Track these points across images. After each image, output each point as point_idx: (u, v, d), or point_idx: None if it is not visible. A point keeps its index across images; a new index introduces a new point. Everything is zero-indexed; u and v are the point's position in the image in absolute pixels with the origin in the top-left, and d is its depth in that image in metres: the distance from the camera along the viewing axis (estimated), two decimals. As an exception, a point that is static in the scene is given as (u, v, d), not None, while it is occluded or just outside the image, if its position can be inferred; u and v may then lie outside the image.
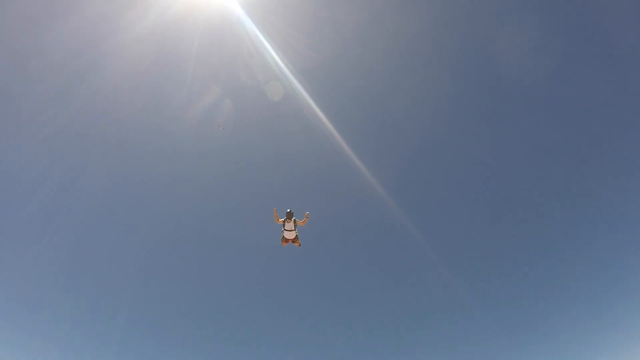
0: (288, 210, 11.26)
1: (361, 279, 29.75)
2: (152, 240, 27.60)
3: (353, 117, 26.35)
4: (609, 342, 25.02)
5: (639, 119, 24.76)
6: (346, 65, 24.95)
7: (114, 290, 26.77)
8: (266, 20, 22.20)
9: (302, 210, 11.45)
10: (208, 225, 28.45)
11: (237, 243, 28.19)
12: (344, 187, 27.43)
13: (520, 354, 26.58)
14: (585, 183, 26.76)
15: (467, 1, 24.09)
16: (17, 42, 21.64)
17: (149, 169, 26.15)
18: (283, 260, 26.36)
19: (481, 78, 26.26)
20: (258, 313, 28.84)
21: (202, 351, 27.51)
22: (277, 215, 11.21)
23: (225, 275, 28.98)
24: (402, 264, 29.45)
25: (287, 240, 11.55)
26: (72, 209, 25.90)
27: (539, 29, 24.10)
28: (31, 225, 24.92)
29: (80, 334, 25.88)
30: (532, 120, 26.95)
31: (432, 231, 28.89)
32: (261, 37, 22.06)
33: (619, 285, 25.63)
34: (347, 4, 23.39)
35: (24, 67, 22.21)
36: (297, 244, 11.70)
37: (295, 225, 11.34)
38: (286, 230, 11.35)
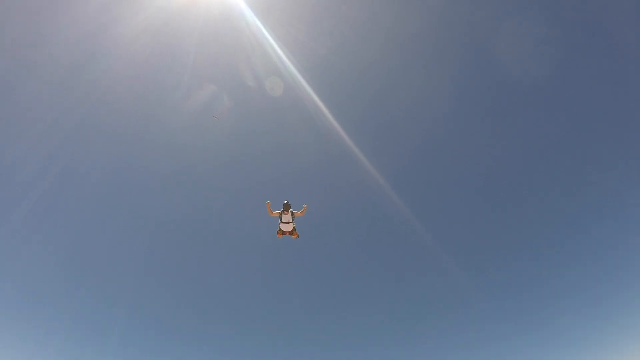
0: (285, 201, 10.86)
1: (363, 271, 29.89)
2: (151, 230, 27.67)
3: (355, 110, 26.34)
4: (611, 339, 25.24)
5: (639, 118, 24.79)
6: (348, 59, 24.82)
7: (113, 280, 26.90)
8: (268, 13, 22.05)
9: (301, 203, 11.05)
10: (208, 217, 28.52)
11: (237, 235, 28.24)
12: (346, 180, 27.48)
13: (522, 346, 26.69)
14: (586, 179, 26.99)
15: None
16: (17, 32, 21.55)
17: (149, 160, 26.15)
18: (284, 252, 26.40)
19: (483, 74, 26.19)
20: (258, 305, 28.96)
21: (201, 343, 27.60)
22: (270, 209, 10.78)
23: (224, 267, 29.02)
24: (403, 256, 29.67)
25: (283, 232, 11.16)
26: (71, 199, 25.97)
27: (540, 27, 24.03)
28: (30, 216, 24.92)
29: (80, 328, 26.03)
30: (532, 112, 27.04)
31: (434, 223, 29.04)
32: (263, 29, 21.88)
33: (618, 277, 26.00)
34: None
35: (23, 58, 22.16)
36: (295, 236, 11.34)
37: (293, 217, 10.94)
38: (283, 222, 10.93)
